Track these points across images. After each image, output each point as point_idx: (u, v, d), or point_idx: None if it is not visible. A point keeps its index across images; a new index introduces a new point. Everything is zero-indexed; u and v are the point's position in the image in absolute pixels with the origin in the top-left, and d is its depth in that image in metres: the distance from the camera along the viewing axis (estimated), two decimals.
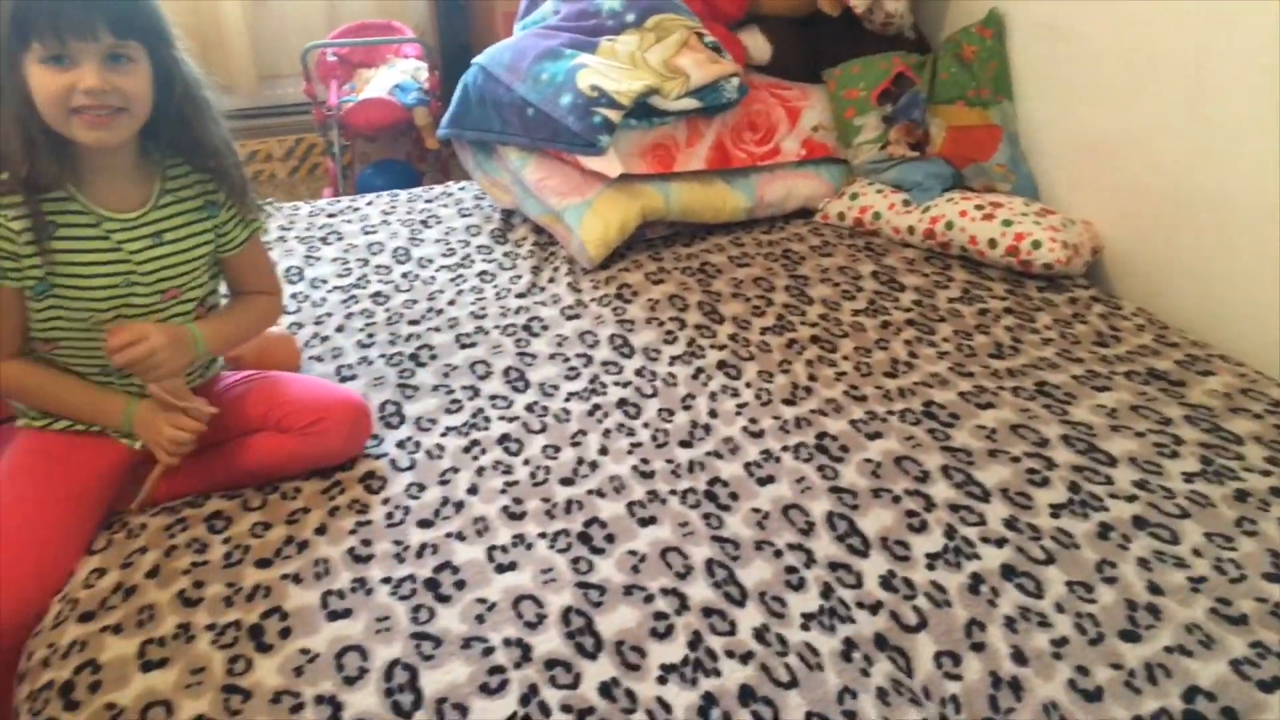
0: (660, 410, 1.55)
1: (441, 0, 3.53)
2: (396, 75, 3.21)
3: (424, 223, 2.18)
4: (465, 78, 2.19)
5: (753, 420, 1.52)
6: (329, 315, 1.82)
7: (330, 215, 2.20)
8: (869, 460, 1.42)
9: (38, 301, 1.25)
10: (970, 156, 2.11)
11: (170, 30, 1.23)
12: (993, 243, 1.92)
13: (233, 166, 1.33)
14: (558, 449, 1.46)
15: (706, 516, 1.32)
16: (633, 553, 1.25)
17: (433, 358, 1.68)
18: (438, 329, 1.77)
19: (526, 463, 1.43)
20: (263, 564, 1.23)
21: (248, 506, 1.34)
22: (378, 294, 1.89)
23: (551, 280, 1.94)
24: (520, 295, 1.89)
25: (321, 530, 1.29)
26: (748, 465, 1.42)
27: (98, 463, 1.34)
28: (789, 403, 1.56)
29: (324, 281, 1.94)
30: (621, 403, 1.56)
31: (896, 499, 1.35)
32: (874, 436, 1.47)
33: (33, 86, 1.16)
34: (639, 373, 1.64)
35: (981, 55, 2.13)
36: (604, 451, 1.45)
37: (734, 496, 1.36)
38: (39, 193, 1.20)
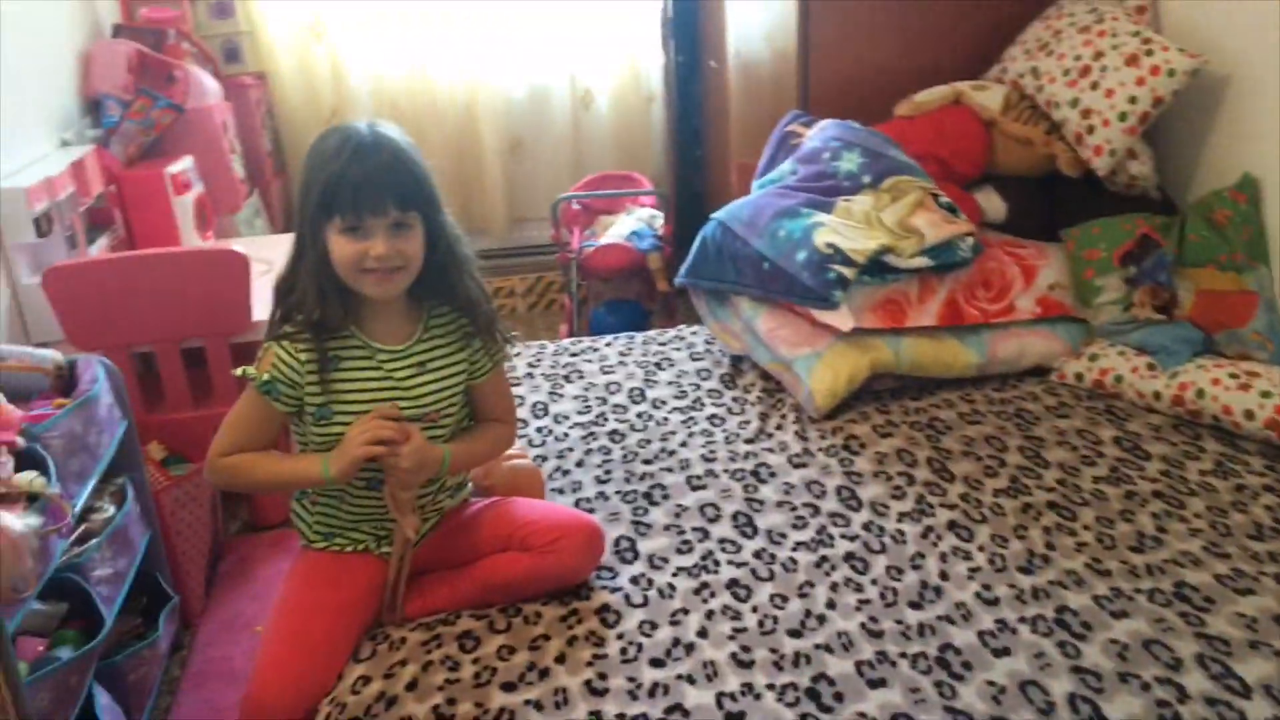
0: (888, 568, 1.54)
1: (678, 154, 3.77)
2: (633, 223, 3.43)
3: (658, 365, 2.30)
4: (704, 231, 2.33)
5: (986, 586, 1.48)
6: (570, 450, 1.94)
7: (573, 354, 2.37)
8: (1114, 641, 1.36)
9: (319, 425, 1.45)
10: (1223, 322, 2.03)
11: (440, 199, 1.44)
12: (1249, 414, 1.82)
13: (483, 306, 1.51)
14: (785, 599, 1.48)
15: (938, 685, 1.30)
16: (861, 714, 1.25)
17: (665, 497, 1.76)
18: (670, 469, 1.85)
19: (754, 610, 1.45)
20: (508, 688, 1.31)
21: (494, 628, 1.43)
22: (614, 432, 2.00)
23: (779, 427, 2.00)
24: (749, 441, 1.95)
25: (561, 659, 1.36)
26: (981, 634, 1.38)
27: (362, 578, 1.50)
28: (1025, 571, 1.52)
29: (566, 418, 2.08)
30: (849, 556, 1.57)
31: (1145, 686, 1.27)
32: (1119, 615, 1.41)
33: (332, 251, 1.38)
34: (866, 527, 1.65)
35: (1235, 219, 2.06)
36: (831, 605, 1.46)
37: (967, 666, 1.33)
38: (326, 333, 1.43)
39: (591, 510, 1.73)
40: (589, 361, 2.33)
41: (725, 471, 1.83)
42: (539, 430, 2.03)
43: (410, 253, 1.40)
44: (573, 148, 3.89)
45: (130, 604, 1.89)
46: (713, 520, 1.69)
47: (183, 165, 2.87)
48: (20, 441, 1.55)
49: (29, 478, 1.47)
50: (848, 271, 1.97)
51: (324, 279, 1.40)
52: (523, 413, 2.10)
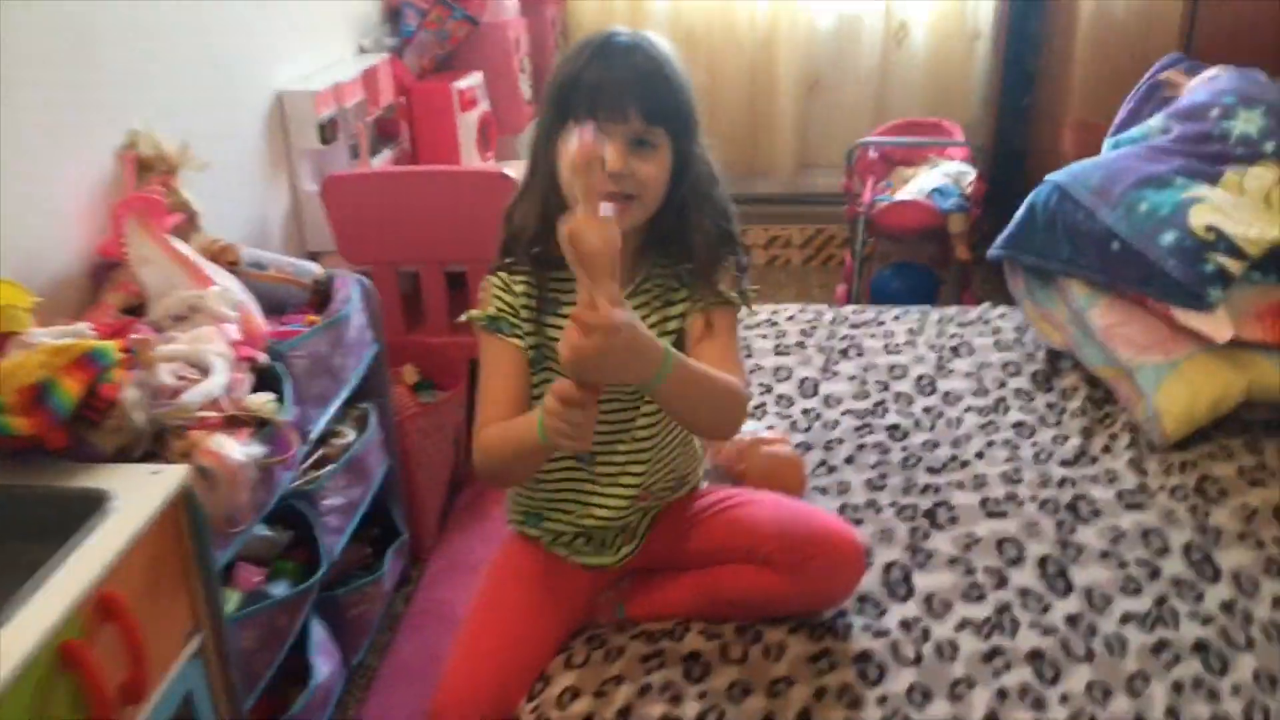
0: (1257, 672, 1.15)
1: (1001, 103, 3.29)
2: (937, 178, 3.02)
3: (954, 350, 1.95)
4: (1036, 195, 1.92)
5: None
6: (840, 442, 1.65)
7: (854, 326, 2.05)
8: None
9: (535, 375, 1.24)
10: None
11: (696, 123, 1.18)
12: None
13: (709, 257, 1.21)
14: (1108, 692, 1.13)
15: None
16: None
17: (952, 520, 1.44)
18: (961, 485, 1.52)
19: (1064, 700, 1.12)
20: None
21: (727, 655, 1.20)
22: (895, 427, 1.69)
23: (1107, 450, 1.60)
24: (1065, 463, 1.57)
25: (805, 716, 1.10)
26: None
27: (577, 577, 1.30)
28: None
29: (838, 401, 1.78)
30: (1199, 647, 1.19)
31: None
32: None
33: (561, 162, 1.15)
34: (1226, 608, 1.25)
35: None
36: (1173, 715, 1.10)
37: None
38: (546, 270, 1.21)
39: (858, 522, 1.44)
40: (872, 336, 2.01)
41: (1032, 499, 1.48)
42: (805, 412, 1.75)
43: (648, 178, 1.14)
44: (877, 88, 3.49)
45: (361, 532, 1.82)
46: (1013, 562, 1.35)
47: (471, 81, 2.78)
48: (263, 358, 1.48)
49: (262, 400, 1.38)
50: (1232, 265, 1.53)
51: (549, 202, 1.18)
52: (788, 388, 1.83)
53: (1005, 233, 1.98)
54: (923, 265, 3.14)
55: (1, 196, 1.36)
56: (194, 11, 1.84)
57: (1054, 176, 1.91)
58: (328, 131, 2.21)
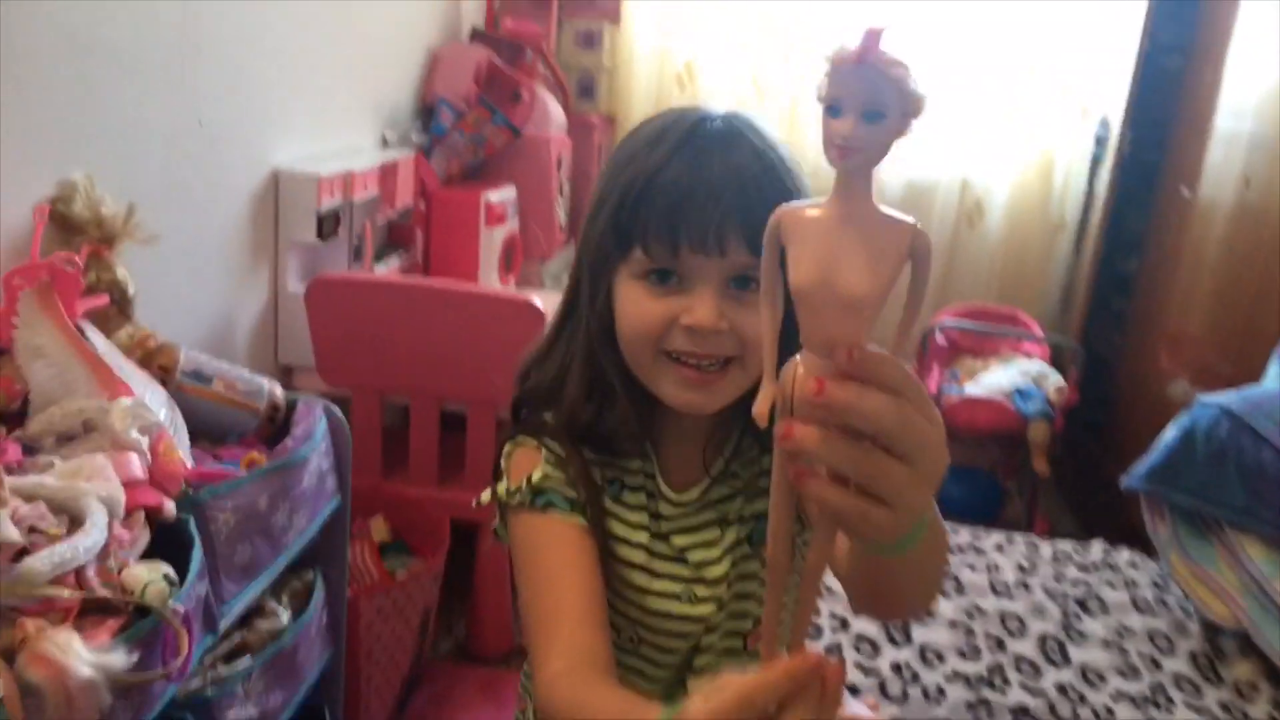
0: None
1: (1092, 304, 2.94)
2: (1016, 376, 2.65)
3: (1082, 604, 1.51)
4: (1193, 420, 1.53)
5: None
6: None
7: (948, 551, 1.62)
8: None
9: None
10: None
11: None
12: None
13: None
14: None
15: None
16: None
17: None
18: None
19: None
20: None
21: None
22: (1023, 710, 1.24)
23: None
24: None
25: None
26: None
27: None
28: None
29: (940, 657, 1.33)
30: None
31: None
32: None
33: (619, 310, 0.79)
34: None
35: None
36: None
37: None
38: (602, 453, 0.84)
39: None
40: (971, 567, 1.57)
41: None
42: (897, 669, 1.30)
43: (753, 333, 0.75)
44: (943, 266, 3.16)
45: None
46: None
47: (502, 195, 2.44)
48: (170, 509, 1.03)
49: (148, 577, 0.93)
50: None
51: (604, 363, 0.82)
52: (869, 626, 1.38)
53: (1150, 461, 1.57)
54: (986, 473, 2.74)
55: None
56: (184, 54, 1.48)
57: (1218, 400, 1.52)
58: (327, 225, 1.84)
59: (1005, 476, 2.72)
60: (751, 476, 0.87)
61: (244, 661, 1.21)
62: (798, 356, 0.48)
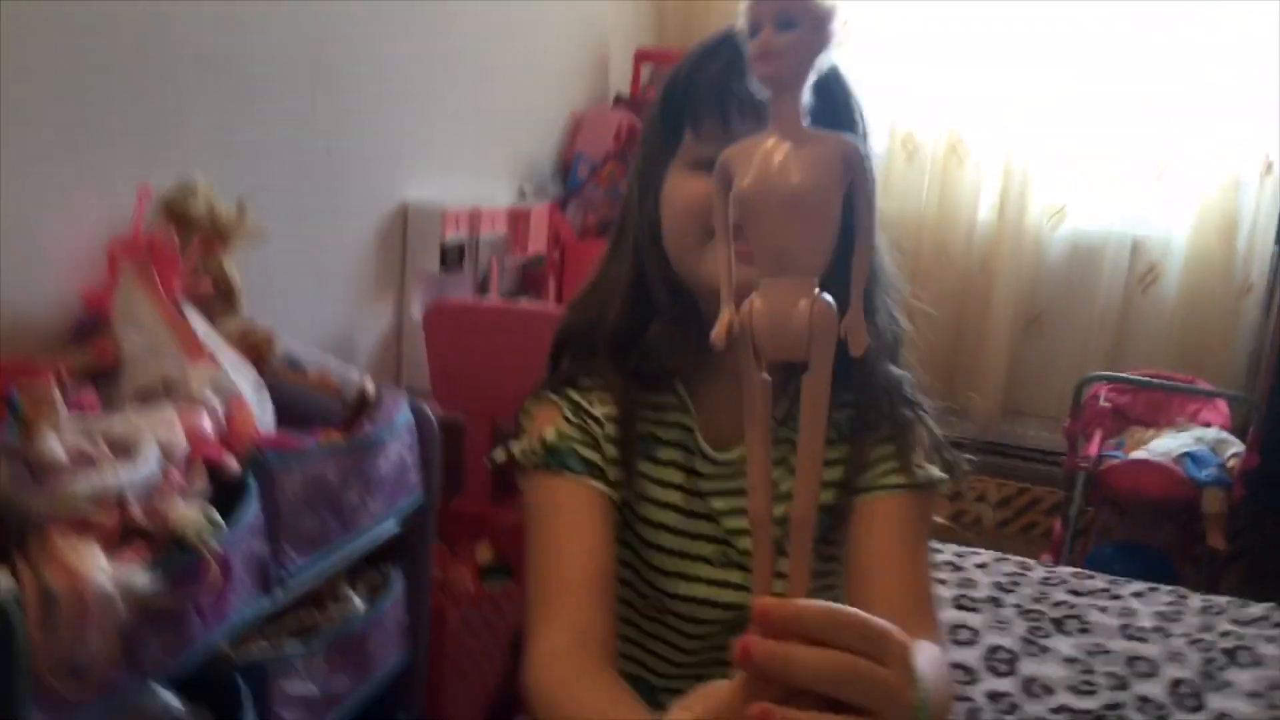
0: None
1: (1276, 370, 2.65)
2: (1189, 441, 2.40)
3: (1229, 654, 1.31)
4: None
5: None
6: None
7: (1075, 593, 1.46)
8: None
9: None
10: None
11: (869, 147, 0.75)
12: None
13: (893, 394, 0.79)
14: None
15: None
16: None
17: None
18: None
19: None
20: None
21: None
22: None
23: None
24: None
25: None
26: None
27: None
28: None
29: (1048, 689, 1.19)
30: None
31: None
32: None
33: (667, 201, 0.76)
34: None
35: None
36: None
37: None
38: (641, 381, 0.80)
39: None
40: (1102, 610, 1.40)
41: None
42: (993, 697, 1.16)
43: None
44: (1114, 334, 2.94)
45: None
46: None
47: None
48: (232, 464, 1.07)
49: (190, 514, 0.96)
50: None
51: (648, 270, 0.77)
52: (969, 656, 1.25)
53: None
54: (1156, 549, 2.47)
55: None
56: (315, 87, 1.61)
57: None
58: (451, 256, 1.92)
59: (1178, 554, 2.44)
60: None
61: (300, 642, 1.22)
62: (754, 293, 0.46)
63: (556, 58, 2.49)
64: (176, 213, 1.32)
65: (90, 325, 1.21)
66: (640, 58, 2.81)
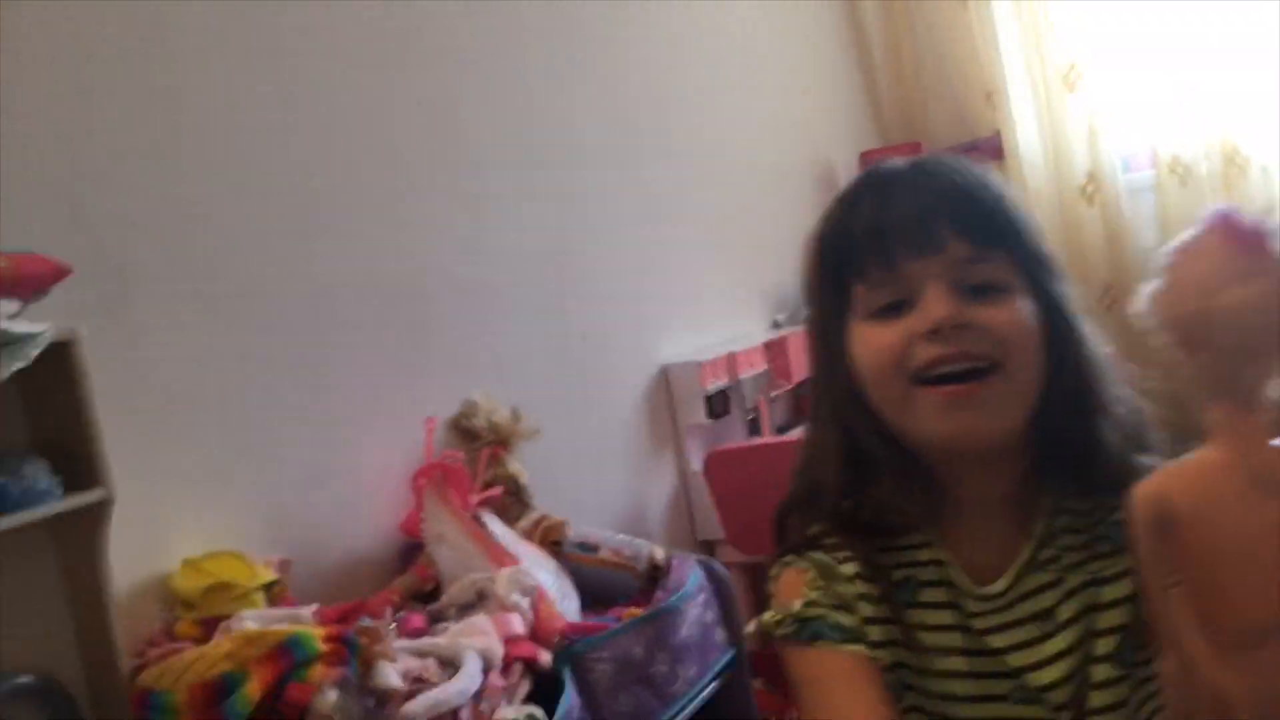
0: None
1: None
2: None
3: None
4: None
5: None
6: None
7: None
8: None
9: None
10: None
11: (1052, 260, 0.74)
12: None
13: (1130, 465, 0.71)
14: None
15: None
16: None
17: None
18: None
19: None
20: None
21: None
22: None
23: None
24: None
25: None
26: None
27: None
28: None
29: None
30: None
31: None
32: None
33: (857, 357, 0.73)
34: None
35: None
36: None
37: None
38: (874, 536, 0.75)
39: None
40: None
41: None
42: None
43: (1006, 328, 0.69)
44: None
45: None
46: None
47: None
48: (545, 659, 1.15)
49: (522, 717, 1.03)
50: None
51: (856, 429, 0.74)
52: None
53: None
54: None
55: (315, 460, 1.27)
56: (561, 287, 1.75)
57: None
58: (716, 405, 1.97)
59: None
60: (1076, 560, 0.74)
61: None
62: None
63: (783, 177, 2.53)
64: (462, 429, 1.48)
65: (410, 550, 1.36)
66: (866, 161, 2.81)
